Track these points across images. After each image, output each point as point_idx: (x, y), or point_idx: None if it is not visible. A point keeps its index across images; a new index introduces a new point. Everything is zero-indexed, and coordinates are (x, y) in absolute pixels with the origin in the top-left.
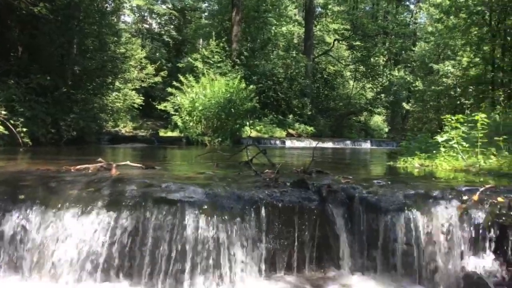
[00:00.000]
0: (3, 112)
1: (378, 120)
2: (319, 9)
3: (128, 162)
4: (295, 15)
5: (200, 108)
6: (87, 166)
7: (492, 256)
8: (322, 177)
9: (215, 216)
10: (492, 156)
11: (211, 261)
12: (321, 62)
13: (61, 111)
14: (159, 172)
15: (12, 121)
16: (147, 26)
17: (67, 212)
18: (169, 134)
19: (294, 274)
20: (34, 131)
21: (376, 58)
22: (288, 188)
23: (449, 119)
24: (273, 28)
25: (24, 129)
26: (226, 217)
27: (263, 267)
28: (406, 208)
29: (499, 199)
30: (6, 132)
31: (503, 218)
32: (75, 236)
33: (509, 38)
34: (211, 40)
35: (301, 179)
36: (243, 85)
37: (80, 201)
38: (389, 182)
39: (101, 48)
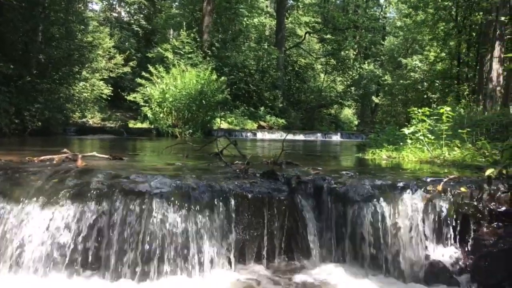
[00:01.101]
0: None
1: (348, 113)
2: (291, 1)
3: (94, 153)
4: (266, 6)
5: (170, 99)
6: (51, 157)
7: (455, 244)
8: (292, 168)
9: (183, 208)
10: (456, 148)
11: (179, 253)
12: (292, 55)
13: (25, 101)
14: (127, 163)
15: None
16: (116, 14)
17: (30, 204)
18: (139, 125)
19: (264, 264)
20: None
21: (347, 52)
22: (258, 179)
23: (416, 112)
24: (245, 19)
25: None
26: (195, 208)
27: (232, 258)
28: (373, 198)
29: (462, 189)
30: None
31: (466, 208)
32: (38, 228)
33: (474, 34)
34: (181, 30)
35: (270, 170)
36: (214, 76)
37: (43, 193)
38: (357, 173)
39: (68, 37)
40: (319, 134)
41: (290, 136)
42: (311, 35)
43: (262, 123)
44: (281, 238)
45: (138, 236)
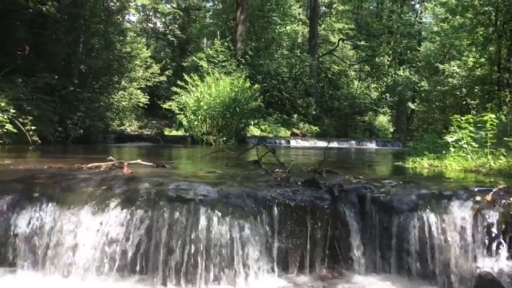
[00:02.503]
0: (12, 111)
1: (383, 120)
2: (324, 8)
3: (139, 161)
4: (299, 14)
5: (205, 107)
6: (99, 165)
7: (506, 256)
8: (333, 176)
9: (228, 215)
10: (501, 157)
11: (224, 260)
12: (325, 62)
13: (68, 110)
14: (170, 171)
15: (21, 120)
16: (152, 25)
17: (82, 210)
18: (174, 133)
19: (307, 273)
20: (42, 129)
21: (381, 58)
22: (299, 188)
23: (458, 119)
24: (278, 27)
25: (33, 128)
26: (239, 216)
27: (276, 266)
28: (419, 208)
29: None
30: (15, 131)
31: None
32: (90, 233)
33: None
34: (215, 39)
35: (312, 179)
36: (247, 84)
37: (95, 199)
38: (401, 182)
39: (107, 47)
40: (353, 142)
41: (324, 144)
42: (345, 41)
43: (295, 130)
44: (324, 247)
45: (184, 243)
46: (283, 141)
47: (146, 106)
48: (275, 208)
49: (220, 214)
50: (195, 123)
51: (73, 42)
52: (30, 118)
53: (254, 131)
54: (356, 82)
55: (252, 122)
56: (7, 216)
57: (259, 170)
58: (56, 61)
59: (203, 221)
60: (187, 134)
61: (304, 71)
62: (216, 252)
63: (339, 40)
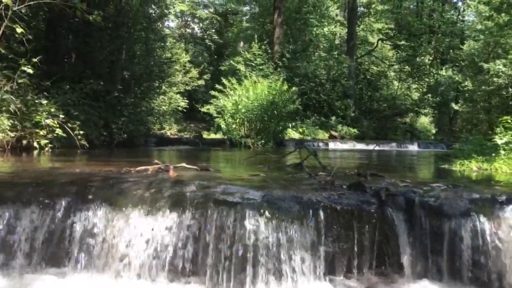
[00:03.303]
0: (61, 116)
1: (424, 121)
2: (362, 8)
3: (184, 164)
4: (336, 15)
5: (243, 110)
6: (146, 168)
7: None
8: (378, 180)
9: (274, 218)
10: None
11: (272, 263)
12: (364, 63)
13: (112, 114)
14: (214, 174)
15: (69, 124)
16: (190, 30)
17: (133, 212)
18: (212, 136)
19: (355, 278)
20: (88, 134)
21: (422, 58)
22: (345, 191)
23: (509, 121)
24: (315, 29)
25: (81, 132)
26: (285, 219)
27: (323, 270)
28: (471, 213)
29: None
30: (64, 135)
31: None
32: (141, 235)
33: None
34: (253, 43)
35: (357, 182)
36: (285, 87)
37: (145, 202)
38: (450, 186)
39: (148, 53)
40: (394, 144)
41: (363, 146)
42: (384, 41)
43: (333, 132)
44: (371, 251)
45: (232, 246)
46: (321, 144)
47: (185, 110)
48: (321, 211)
49: (266, 217)
50: (233, 126)
51: (117, 49)
52: (78, 122)
53: (292, 134)
54: (396, 83)
55: (289, 125)
56: (63, 217)
57: (302, 173)
58: (101, 68)
59: (250, 224)
60: (225, 137)
61: (342, 72)
62: (264, 255)
63: (378, 40)
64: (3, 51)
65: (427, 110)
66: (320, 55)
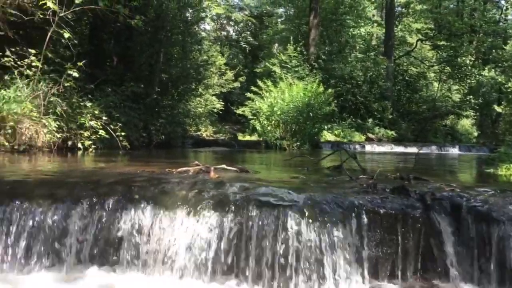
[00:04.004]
0: (104, 118)
1: (465, 123)
2: (400, 8)
3: (224, 166)
4: (373, 16)
5: (278, 112)
6: (187, 169)
7: None
8: (422, 183)
9: (316, 221)
10: None
11: (314, 266)
12: (402, 64)
13: (151, 116)
14: (254, 176)
15: (112, 126)
16: (225, 33)
17: (178, 212)
18: (247, 138)
19: (398, 283)
20: (129, 135)
21: (463, 58)
22: (388, 195)
23: None
24: (351, 30)
25: (123, 133)
26: (327, 222)
27: (366, 274)
28: None
29: None
30: (107, 136)
31: None
32: (185, 234)
33: None
34: (288, 44)
35: (401, 186)
36: (321, 89)
37: (188, 202)
38: (498, 191)
39: (185, 56)
40: (434, 147)
41: (401, 149)
42: (423, 42)
43: (370, 135)
44: (416, 256)
45: (274, 248)
46: (357, 146)
47: (220, 112)
48: (364, 215)
49: (308, 219)
50: (269, 128)
51: (156, 53)
52: (120, 124)
53: (327, 136)
54: (436, 84)
55: (325, 127)
56: (111, 216)
57: (342, 176)
58: (140, 71)
59: (292, 227)
60: (261, 139)
61: (379, 74)
62: (306, 257)
63: (417, 40)
64: (50, 55)
65: (468, 112)
66: (357, 56)
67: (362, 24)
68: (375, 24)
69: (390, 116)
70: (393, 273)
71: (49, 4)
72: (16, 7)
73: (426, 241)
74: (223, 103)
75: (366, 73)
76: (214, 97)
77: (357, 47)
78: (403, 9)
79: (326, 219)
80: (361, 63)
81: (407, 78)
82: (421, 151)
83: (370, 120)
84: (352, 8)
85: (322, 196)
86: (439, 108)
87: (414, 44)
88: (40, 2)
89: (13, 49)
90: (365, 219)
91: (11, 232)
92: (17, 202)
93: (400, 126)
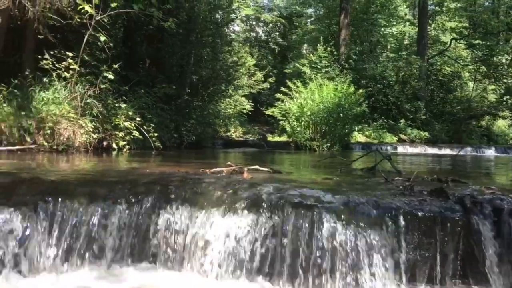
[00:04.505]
0: (138, 119)
1: (502, 124)
2: (433, 6)
3: (257, 167)
4: (405, 14)
5: (308, 113)
6: (221, 169)
7: None
8: (460, 186)
9: (352, 223)
10: None
11: (350, 268)
12: (436, 63)
13: (182, 117)
14: (287, 176)
15: (145, 127)
16: (254, 34)
17: (213, 212)
18: (277, 139)
19: (437, 287)
20: (161, 136)
21: (499, 57)
22: (426, 197)
23: None
24: (382, 29)
25: (155, 134)
26: (364, 224)
27: (403, 277)
28: None
29: None
30: (140, 137)
31: None
32: (220, 234)
33: None
34: (318, 45)
35: (439, 188)
36: (352, 89)
37: (222, 202)
38: None
39: (215, 58)
40: (469, 148)
41: (435, 150)
42: (458, 41)
43: (402, 136)
44: (455, 260)
45: (310, 249)
46: (389, 147)
47: (250, 113)
48: (401, 217)
49: (344, 221)
50: (298, 129)
51: (186, 54)
52: (153, 125)
53: (358, 137)
54: (471, 84)
55: (356, 128)
56: (148, 215)
57: (377, 178)
58: (172, 73)
59: (327, 228)
60: (291, 140)
61: (412, 73)
62: (341, 259)
63: (451, 39)
64: (86, 58)
65: (505, 113)
66: (389, 55)
67: (394, 23)
68: (408, 23)
69: (423, 117)
70: (431, 277)
71: (87, 8)
72: (55, 12)
73: (465, 245)
74: (252, 104)
75: (398, 73)
76: (243, 98)
77: (389, 47)
78: (437, 8)
79: (362, 221)
80: (393, 62)
81: (440, 77)
82: (455, 153)
83: (402, 121)
84: (383, 7)
85: (357, 197)
86: (474, 108)
87: (448, 43)
88: (79, 7)
89: (51, 52)
90: (402, 222)
91: (54, 230)
92: (60, 200)
93: (433, 127)
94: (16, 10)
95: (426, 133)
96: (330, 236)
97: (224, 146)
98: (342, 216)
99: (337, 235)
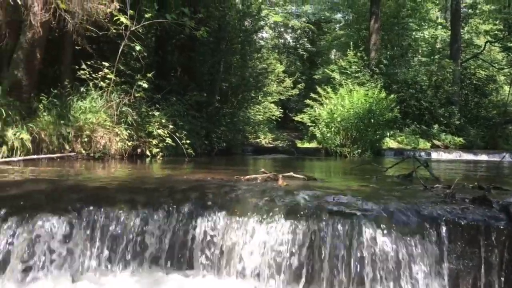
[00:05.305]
0: (170, 126)
1: None
2: (466, 9)
3: (291, 173)
4: (437, 18)
5: (338, 119)
6: (256, 176)
7: None
8: (503, 193)
9: (393, 231)
10: None
11: (391, 278)
12: (469, 67)
13: (212, 124)
14: (322, 184)
15: (177, 134)
16: (282, 40)
17: (250, 219)
18: (306, 145)
19: None
20: (193, 142)
21: None
22: (468, 205)
23: None
24: (414, 33)
25: (188, 141)
26: (404, 233)
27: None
28: None
29: None
30: (173, 144)
31: None
32: (258, 241)
33: None
34: (348, 50)
35: (482, 196)
36: (383, 94)
37: (260, 209)
38: None
39: (244, 65)
40: (506, 154)
41: (471, 156)
42: (492, 44)
43: (436, 142)
44: (499, 271)
45: (349, 257)
46: (422, 154)
47: (279, 120)
48: (443, 226)
49: (384, 229)
50: (328, 135)
51: (217, 62)
52: (185, 132)
53: (390, 143)
54: (506, 88)
55: (388, 134)
56: (186, 222)
57: (415, 185)
58: (203, 81)
59: (367, 236)
60: (320, 146)
61: (445, 78)
62: (381, 268)
63: (485, 42)
64: (122, 67)
65: None
66: (420, 60)
67: (426, 26)
68: (440, 27)
69: (457, 122)
70: (475, 287)
71: (122, 19)
72: (93, 23)
73: (510, 254)
74: (281, 110)
75: (430, 77)
76: (272, 105)
77: (421, 51)
78: (470, 10)
79: (403, 229)
80: (425, 67)
81: (475, 81)
82: (491, 159)
83: (436, 126)
84: (414, 11)
85: (397, 205)
86: (510, 113)
87: (483, 46)
88: (114, 18)
89: (88, 63)
90: (444, 231)
91: (96, 236)
92: (101, 207)
93: (468, 132)
94: (55, 22)
95: (461, 139)
96: (370, 245)
97: (254, 152)
98: (382, 225)
99: (377, 244)
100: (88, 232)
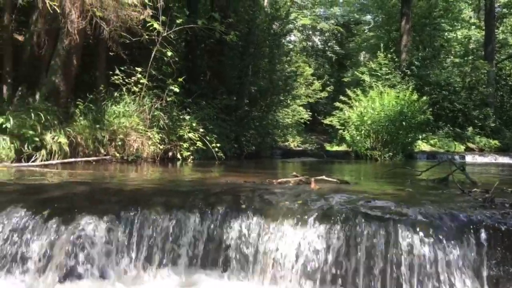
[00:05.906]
0: (201, 130)
1: None
2: (501, 9)
3: (323, 177)
4: (470, 18)
5: (369, 122)
6: (288, 180)
7: None
8: None
9: (431, 237)
10: None
11: (429, 284)
12: (505, 68)
13: (241, 128)
14: (355, 187)
15: (208, 137)
16: (311, 43)
17: (284, 222)
18: (335, 148)
19: None
20: (222, 146)
21: None
22: (508, 210)
23: None
24: (446, 34)
25: (218, 145)
26: (443, 238)
27: None
28: None
29: None
30: (204, 147)
31: None
32: (293, 245)
33: None
34: (378, 52)
35: None
36: (414, 96)
37: (293, 213)
38: None
39: (273, 68)
40: None
41: (507, 160)
42: None
43: (470, 145)
44: None
45: (385, 262)
46: (456, 157)
47: (308, 122)
48: (483, 231)
49: (422, 234)
50: (358, 138)
51: (246, 66)
52: (215, 136)
53: (422, 146)
54: None
55: (420, 137)
56: (220, 224)
57: (452, 189)
58: (232, 84)
59: (404, 241)
60: (350, 149)
61: (479, 79)
62: (419, 274)
63: None
64: (154, 72)
65: None
66: (454, 61)
67: (459, 27)
68: (473, 27)
69: (493, 124)
70: None
71: (155, 25)
72: (126, 30)
73: None
74: (310, 113)
75: (464, 78)
76: (301, 108)
77: (453, 52)
78: (504, 10)
79: (441, 234)
80: (459, 68)
81: (510, 83)
82: None
83: (470, 128)
84: (447, 11)
85: (434, 210)
86: None
87: None
88: (147, 24)
89: (122, 68)
90: (484, 236)
91: (134, 237)
92: (138, 209)
93: (504, 135)
94: (91, 29)
95: (496, 141)
96: (407, 250)
97: (283, 156)
98: (419, 229)
99: (414, 249)
100: (126, 233)
